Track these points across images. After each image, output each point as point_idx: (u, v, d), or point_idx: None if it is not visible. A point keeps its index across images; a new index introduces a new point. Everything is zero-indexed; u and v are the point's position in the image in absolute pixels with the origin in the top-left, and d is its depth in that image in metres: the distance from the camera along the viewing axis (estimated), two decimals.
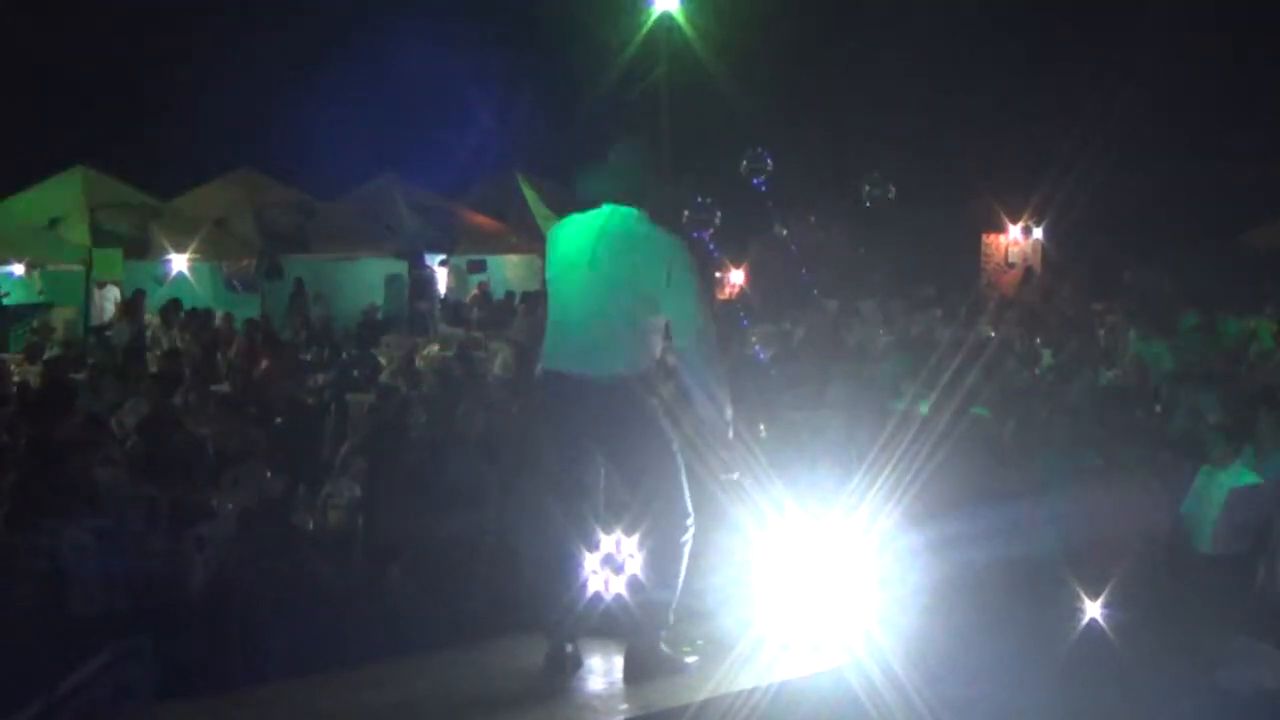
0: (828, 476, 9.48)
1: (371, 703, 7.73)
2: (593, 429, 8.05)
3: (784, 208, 38.71)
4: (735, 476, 8.12)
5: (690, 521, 8.11)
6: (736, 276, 38.56)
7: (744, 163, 38.06)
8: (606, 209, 8.17)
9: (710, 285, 7.62)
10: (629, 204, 8.14)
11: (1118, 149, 35.36)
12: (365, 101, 41.20)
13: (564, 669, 8.12)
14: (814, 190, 40.25)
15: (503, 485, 13.43)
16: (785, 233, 38.19)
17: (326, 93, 38.69)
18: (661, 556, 8.07)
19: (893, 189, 37.23)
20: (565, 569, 8.11)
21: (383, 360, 24.35)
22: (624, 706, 7.69)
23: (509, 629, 8.11)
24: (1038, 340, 24.28)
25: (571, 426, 8.08)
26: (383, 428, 15.72)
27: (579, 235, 8.16)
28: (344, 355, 24.92)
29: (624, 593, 8.11)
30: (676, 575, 8.13)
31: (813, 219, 40.57)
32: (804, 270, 37.20)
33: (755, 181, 37.64)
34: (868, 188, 37.31)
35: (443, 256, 37.19)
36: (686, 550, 8.13)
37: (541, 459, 8.20)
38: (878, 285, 33.89)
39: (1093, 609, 10.65)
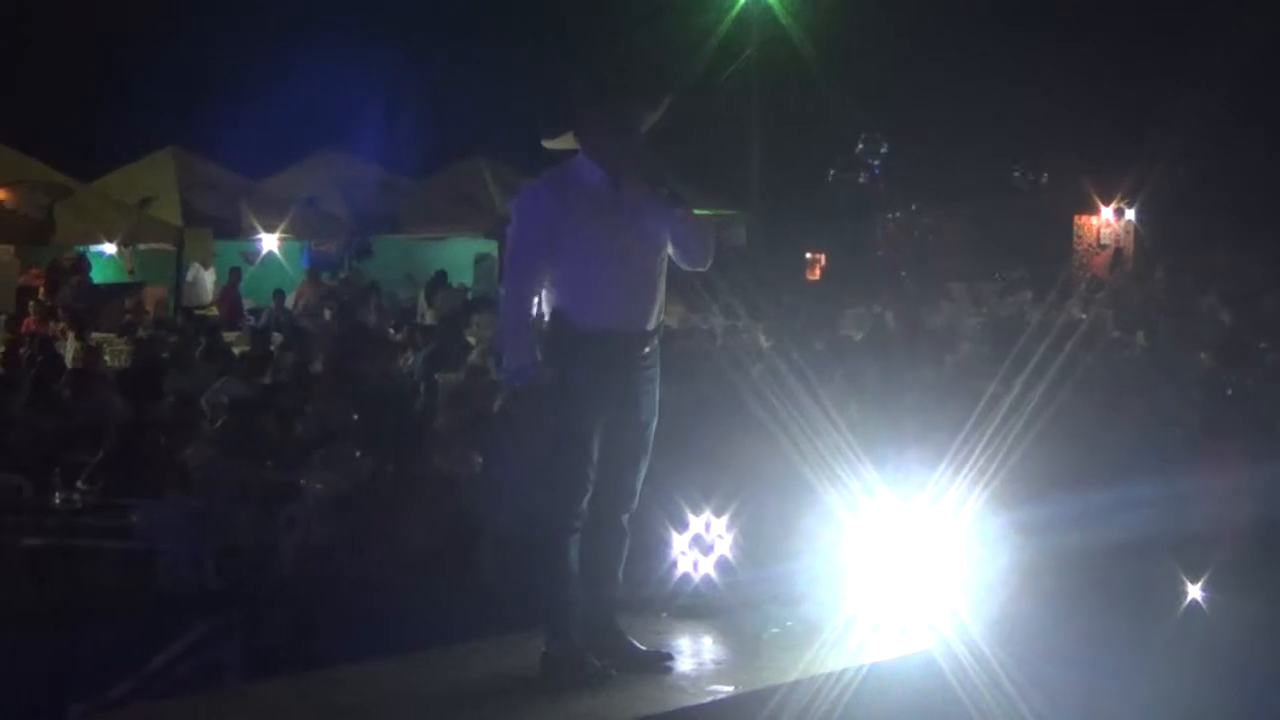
0: (917, 458, 9.42)
1: (457, 682, 7.75)
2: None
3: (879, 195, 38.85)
4: None
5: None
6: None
7: (860, 145, 38.19)
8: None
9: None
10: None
11: (1212, 131, 34.99)
12: (452, 81, 41.24)
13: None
14: (910, 175, 40.16)
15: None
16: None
17: (413, 73, 38.80)
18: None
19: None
20: (654, 549, 8.10)
21: (472, 340, 24.36)
22: (712, 687, 7.67)
23: None
24: (1129, 322, 24.10)
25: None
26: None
27: None
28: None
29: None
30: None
31: (914, 207, 40.60)
32: (884, 255, 37.27)
33: (869, 161, 37.74)
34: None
35: None
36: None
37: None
38: (968, 267, 33.75)
39: (1185, 592, 10.57)
